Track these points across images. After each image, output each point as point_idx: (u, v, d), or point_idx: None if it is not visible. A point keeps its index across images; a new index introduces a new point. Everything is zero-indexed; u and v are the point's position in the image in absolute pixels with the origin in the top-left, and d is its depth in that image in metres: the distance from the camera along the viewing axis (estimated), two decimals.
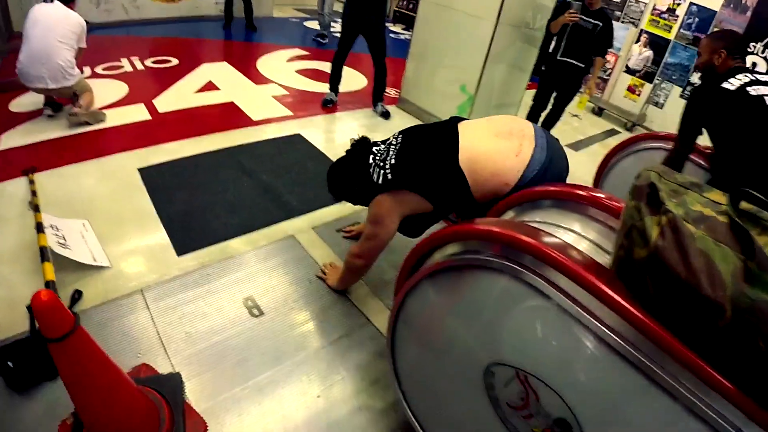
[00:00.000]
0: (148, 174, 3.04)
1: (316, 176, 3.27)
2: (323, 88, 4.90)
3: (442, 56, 4.36)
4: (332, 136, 4.20)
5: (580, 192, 1.51)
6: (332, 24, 7.20)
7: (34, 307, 1.06)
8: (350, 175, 2.06)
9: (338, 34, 7.42)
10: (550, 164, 1.78)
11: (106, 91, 4.13)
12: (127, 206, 2.75)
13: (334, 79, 4.54)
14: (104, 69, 4.69)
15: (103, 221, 2.60)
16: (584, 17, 3.73)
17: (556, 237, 1.26)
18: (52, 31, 3.37)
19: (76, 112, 3.50)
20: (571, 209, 1.51)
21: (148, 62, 5.05)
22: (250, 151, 3.49)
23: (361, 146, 2.08)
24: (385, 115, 4.59)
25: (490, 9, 3.78)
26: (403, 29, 8.96)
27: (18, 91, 3.93)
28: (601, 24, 3.76)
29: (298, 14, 8.64)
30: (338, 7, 9.75)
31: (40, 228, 2.25)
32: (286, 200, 2.98)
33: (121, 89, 4.29)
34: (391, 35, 8.03)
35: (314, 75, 5.43)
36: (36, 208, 2.45)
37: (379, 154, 1.95)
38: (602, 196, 1.46)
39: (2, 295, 2.10)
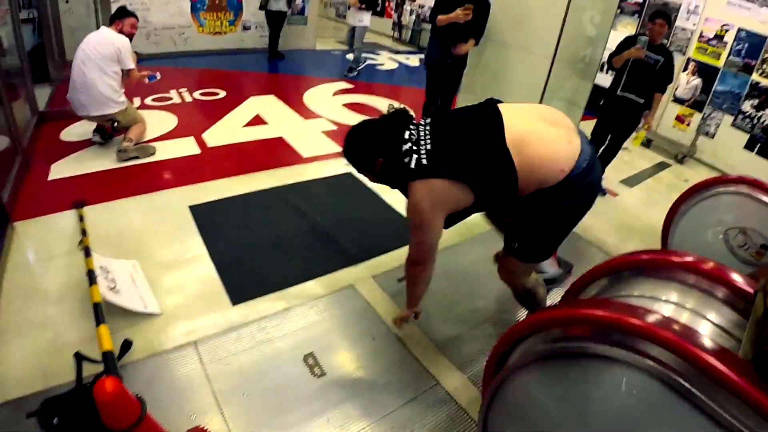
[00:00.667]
0: (199, 212, 3.00)
1: (372, 220, 3.18)
2: None
3: (495, 92, 4.26)
4: None
5: (675, 258, 1.48)
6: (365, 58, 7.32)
7: (97, 399, 0.95)
8: (378, 144, 1.80)
9: (379, 67, 7.76)
10: (595, 161, 1.69)
11: (155, 122, 4.19)
12: (178, 247, 2.70)
13: None
14: (153, 100, 4.80)
15: (153, 262, 2.54)
16: (647, 52, 3.66)
17: (682, 323, 1.18)
18: (91, 61, 3.41)
19: (125, 148, 3.52)
20: (667, 277, 1.45)
21: (197, 94, 5.16)
22: (303, 190, 3.43)
23: (400, 117, 1.84)
24: None
25: (546, 45, 3.72)
26: None
27: (70, 120, 4.01)
28: (662, 59, 3.68)
29: (340, 47, 8.78)
30: (373, 38, 9.91)
31: (92, 277, 2.15)
32: (343, 245, 2.88)
33: (170, 121, 4.35)
34: None
35: (361, 109, 5.43)
36: (87, 252, 2.38)
37: (414, 133, 1.76)
38: (692, 259, 1.43)
39: (48, 339, 2.04)
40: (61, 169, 3.39)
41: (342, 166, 3.88)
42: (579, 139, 1.68)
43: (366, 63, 7.38)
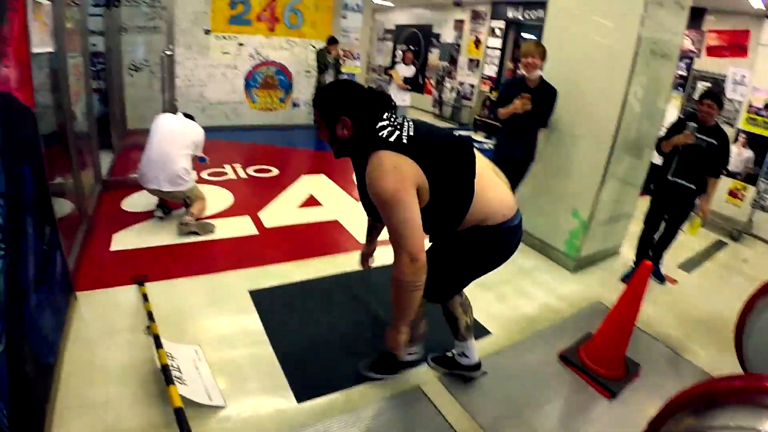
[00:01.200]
0: (259, 298, 3.08)
1: (434, 313, 3.19)
2: None
3: (550, 179, 4.20)
4: None
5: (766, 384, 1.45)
6: None
7: None
8: (355, 105, 1.80)
9: None
10: (522, 223, 2.08)
11: (212, 198, 4.40)
12: (240, 334, 2.75)
13: None
14: (209, 174, 5.05)
15: (214, 348, 2.59)
16: (699, 135, 3.54)
17: None
18: (173, 142, 3.74)
19: (186, 222, 3.70)
20: (761, 404, 1.42)
21: (250, 170, 5.44)
22: (362, 279, 3.47)
23: (385, 99, 1.89)
24: None
25: (604, 130, 3.66)
26: (485, 137, 9.36)
27: (130, 189, 4.24)
28: (716, 143, 3.55)
29: None
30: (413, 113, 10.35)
31: (168, 376, 2.13)
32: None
33: (226, 198, 4.58)
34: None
35: None
36: (157, 342, 2.38)
37: (398, 120, 1.87)
38: None
39: (110, 422, 2.06)
40: (122, 240, 3.56)
41: None
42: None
43: None
